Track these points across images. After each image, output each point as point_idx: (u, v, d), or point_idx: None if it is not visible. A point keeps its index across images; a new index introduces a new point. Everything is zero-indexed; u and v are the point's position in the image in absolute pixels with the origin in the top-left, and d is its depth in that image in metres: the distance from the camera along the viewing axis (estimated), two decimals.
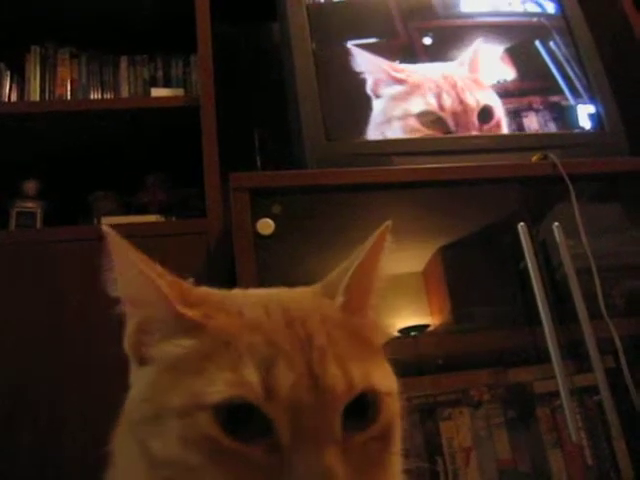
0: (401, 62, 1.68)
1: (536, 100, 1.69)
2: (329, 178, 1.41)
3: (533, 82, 1.73)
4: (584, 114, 1.68)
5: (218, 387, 0.43)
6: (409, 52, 1.71)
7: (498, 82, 1.70)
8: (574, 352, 1.34)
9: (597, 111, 1.69)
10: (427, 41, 1.73)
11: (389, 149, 1.57)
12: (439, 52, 1.72)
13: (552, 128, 1.66)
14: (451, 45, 1.73)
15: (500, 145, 1.59)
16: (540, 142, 1.59)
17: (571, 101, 1.70)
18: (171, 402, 0.45)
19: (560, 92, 1.71)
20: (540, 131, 1.65)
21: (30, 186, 1.76)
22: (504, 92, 1.69)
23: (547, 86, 1.72)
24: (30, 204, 1.72)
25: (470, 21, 1.79)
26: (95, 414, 1.31)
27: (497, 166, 1.48)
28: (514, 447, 1.31)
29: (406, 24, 1.73)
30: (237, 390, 0.43)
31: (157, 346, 0.50)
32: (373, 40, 1.70)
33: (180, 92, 1.82)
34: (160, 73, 1.88)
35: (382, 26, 1.74)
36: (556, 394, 1.30)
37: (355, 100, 1.65)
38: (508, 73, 1.72)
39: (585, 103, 1.70)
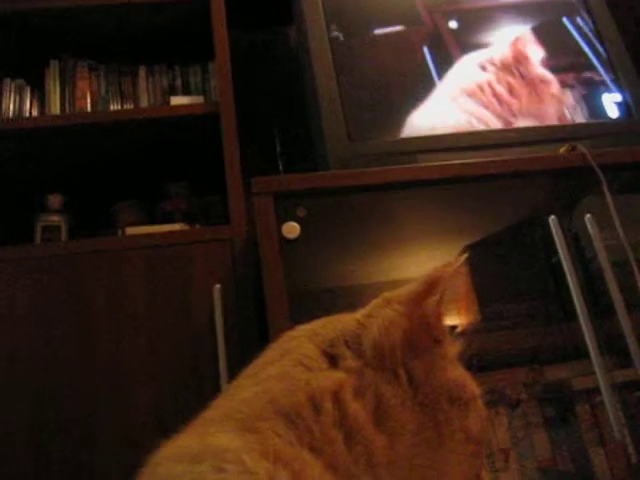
0: (429, 49, 1.66)
1: (566, 80, 1.67)
2: (352, 179, 1.39)
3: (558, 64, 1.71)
4: (611, 103, 1.64)
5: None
6: (435, 39, 1.68)
7: None
8: (613, 347, 1.31)
9: (624, 99, 1.65)
10: (453, 25, 1.70)
11: (413, 147, 1.55)
12: (467, 37, 1.69)
13: (579, 118, 1.63)
14: (478, 28, 1.71)
15: (526, 138, 1.56)
16: (567, 133, 1.55)
17: (597, 89, 1.66)
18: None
19: (585, 82, 1.68)
20: (566, 122, 1.62)
21: (54, 200, 1.76)
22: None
23: (572, 73, 1.69)
24: (55, 218, 1.73)
25: (494, 2, 1.78)
26: (126, 422, 1.32)
27: (524, 159, 1.45)
28: (554, 446, 1.27)
29: (430, 10, 1.71)
30: None
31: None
32: (397, 28, 1.69)
33: (200, 99, 1.82)
34: (179, 81, 1.88)
35: (404, 14, 1.72)
36: (596, 390, 1.26)
37: (377, 99, 1.63)
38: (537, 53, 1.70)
39: (612, 91, 1.66)
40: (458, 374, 0.52)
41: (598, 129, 1.60)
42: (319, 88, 1.56)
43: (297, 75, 1.81)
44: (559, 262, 1.31)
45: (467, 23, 1.72)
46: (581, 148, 1.41)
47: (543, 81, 1.65)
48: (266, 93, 2.17)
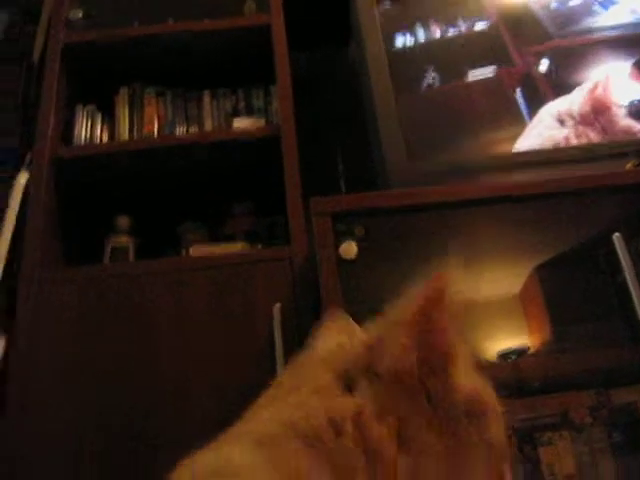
0: (521, 90, 1.63)
1: None
2: (411, 198, 1.39)
3: None
4: None
5: None
6: (527, 80, 1.65)
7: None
8: None
9: None
10: (544, 66, 1.67)
11: (474, 165, 1.53)
12: (559, 77, 1.66)
13: None
14: (570, 67, 1.68)
15: (590, 154, 1.52)
16: (633, 148, 1.51)
17: None
18: None
19: None
20: (634, 136, 1.57)
21: (123, 221, 1.82)
22: None
23: None
24: (123, 239, 1.79)
25: (585, 38, 1.73)
26: (189, 433, 1.34)
27: (589, 176, 1.41)
28: (622, 473, 1.22)
29: (519, 50, 1.68)
30: None
31: None
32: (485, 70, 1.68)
33: (261, 122, 1.85)
34: (242, 104, 1.92)
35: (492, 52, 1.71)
36: None
37: (437, 117, 1.62)
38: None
39: None
40: (476, 385, 0.51)
41: None
42: (377, 106, 1.56)
43: (358, 94, 1.82)
44: (624, 281, 1.26)
45: (559, 62, 1.67)
46: None
47: (628, 132, 1.57)
48: (328, 113, 2.19)
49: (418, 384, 0.47)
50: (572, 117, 1.59)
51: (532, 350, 1.56)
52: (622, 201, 1.41)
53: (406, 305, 0.49)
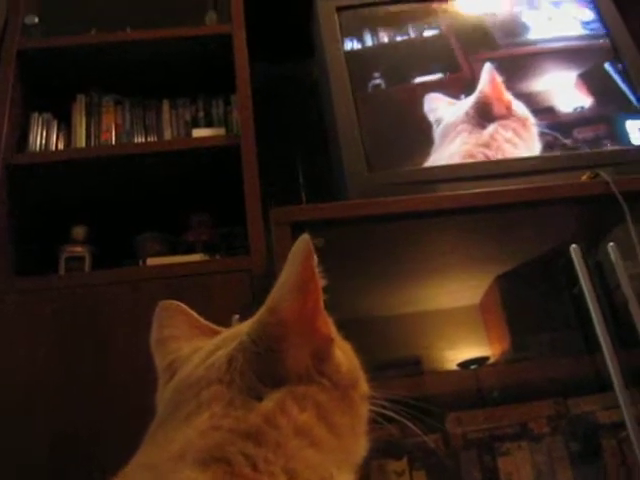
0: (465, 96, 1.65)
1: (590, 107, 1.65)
2: (371, 209, 1.38)
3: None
4: (635, 129, 1.62)
5: None
6: (472, 86, 1.67)
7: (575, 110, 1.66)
8: (639, 379, 1.27)
9: None
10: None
11: (433, 176, 1.54)
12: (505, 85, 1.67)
13: (602, 145, 1.60)
14: (516, 75, 1.69)
15: (547, 166, 1.54)
16: (590, 160, 1.53)
17: (621, 116, 1.64)
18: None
19: (609, 109, 1.66)
20: (589, 150, 1.59)
21: (79, 231, 1.78)
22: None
23: (595, 99, 1.67)
24: (79, 249, 1.75)
25: (532, 48, 1.76)
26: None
27: (545, 187, 1.42)
28: None
29: (467, 57, 1.71)
30: None
31: None
32: (431, 77, 1.69)
33: (221, 131, 1.83)
34: (201, 114, 1.90)
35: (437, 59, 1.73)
36: (622, 425, 1.22)
37: (397, 129, 1.63)
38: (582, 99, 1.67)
39: (635, 118, 1.63)
40: (347, 354, 0.56)
41: (622, 156, 1.57)
42: (338, 120, 1.56)
43: (319, 106, 1.82)
44: (581, 291, 1.28)
45: (505, 70, 1.68)
46: (604, 175, 1.38)
47: (528, 118, 1.62)
48: (290, 124, 2.18)
49: (317, 375, 0.51)
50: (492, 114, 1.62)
51: (492, 360, 1.57)
52: (580, 213, 1.43)
53: (280, 302, 0.51)
